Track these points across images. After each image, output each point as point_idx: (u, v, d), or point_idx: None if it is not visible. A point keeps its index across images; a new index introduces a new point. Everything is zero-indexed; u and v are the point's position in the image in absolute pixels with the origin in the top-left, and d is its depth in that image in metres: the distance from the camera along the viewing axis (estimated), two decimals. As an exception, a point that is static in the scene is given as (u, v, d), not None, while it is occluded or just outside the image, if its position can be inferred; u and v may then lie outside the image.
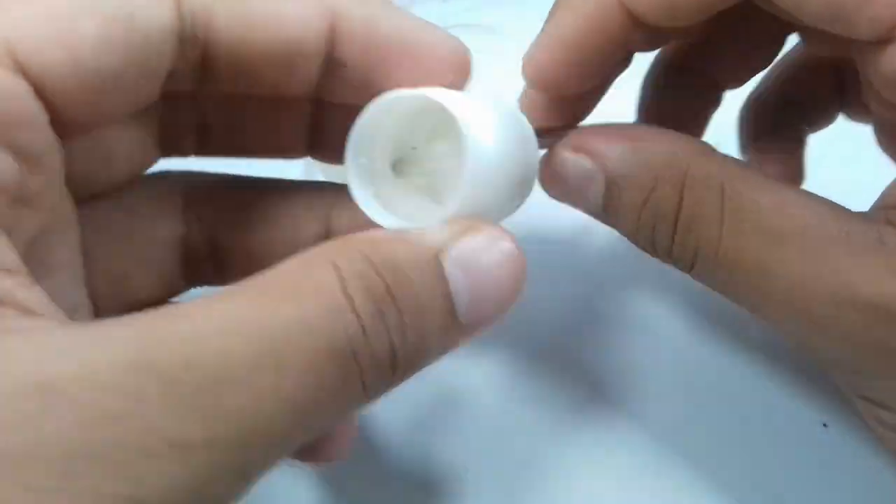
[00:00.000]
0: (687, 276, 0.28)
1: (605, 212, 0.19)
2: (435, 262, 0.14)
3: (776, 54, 0.23)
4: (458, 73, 0.18)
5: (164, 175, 0.20)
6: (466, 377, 0.26)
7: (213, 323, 0.11)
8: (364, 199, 0.17)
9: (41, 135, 0.13)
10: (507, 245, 0.15)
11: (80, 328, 0.11)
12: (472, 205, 0.15)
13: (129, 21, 0.14)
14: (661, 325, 0.27)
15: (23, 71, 0.13)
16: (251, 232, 0.20)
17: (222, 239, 0.20)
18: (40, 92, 0.13)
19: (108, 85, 0.14)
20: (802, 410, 0.25)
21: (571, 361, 0.26)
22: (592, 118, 0.22)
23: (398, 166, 0.18)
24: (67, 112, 0.13)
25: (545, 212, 0.21)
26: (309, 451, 0.21)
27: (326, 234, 0.20)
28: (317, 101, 0.19)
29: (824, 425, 0.24)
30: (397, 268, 0.14)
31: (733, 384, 0.25)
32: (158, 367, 0.10)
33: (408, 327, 0.14)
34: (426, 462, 0.25)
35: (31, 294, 0.12)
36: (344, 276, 0.13)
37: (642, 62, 0.23)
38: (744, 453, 0.24)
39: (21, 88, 0.13)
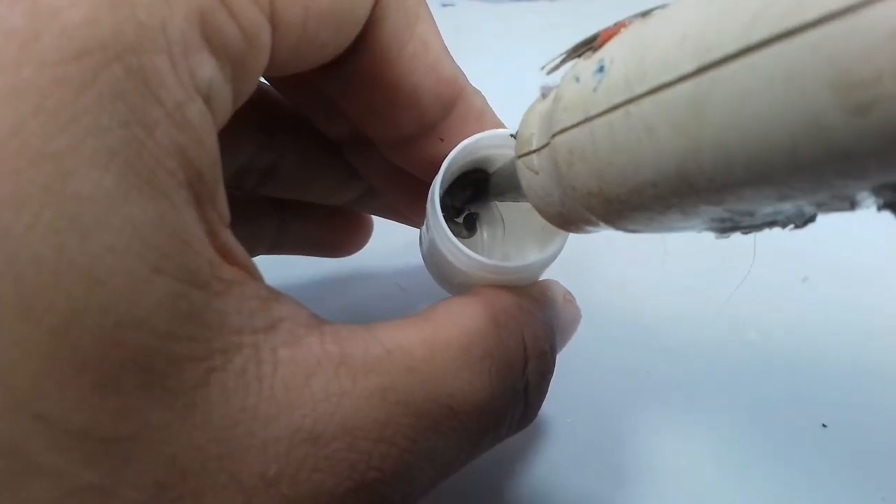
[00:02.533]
0: (683, 278, 0.29)
1: None
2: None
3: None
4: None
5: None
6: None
7: (431, 379, 0.13)
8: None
9: (255, 83, 0.13)
10: (580, 315, 0.20)
11: (333, 369, 0.12)
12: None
13: None
14: (659, 327, 0.27)
15: (271, 18, 0.12)
16: (305, 171, 0.23)
17: (281, 165, 0.22)
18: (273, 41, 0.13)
19: (312, 49, 0.14)
20: (801, 411, 0.25)
21: (568, 361, 0.26)
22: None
23: None
24: (272, 64, 0.13)
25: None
26: (331, 245, 0.27)
27: (357, 202, 0.25)
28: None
29: (823, 425, 0.24)
30: (553, 339, 0.18)
31: (732, 385, 0.26)
32: (396, 437, 0.13)
33: (547, 389, 0.18)
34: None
35: (239, 248, 0.12)
36: (529, 354, 0.16)
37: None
38: (743, 454, 0.24)
39: (268, 41, 0.12)
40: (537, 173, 0.13)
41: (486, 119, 0.18)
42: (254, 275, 0.12)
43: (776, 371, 0.26)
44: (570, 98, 0.11)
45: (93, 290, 0.09)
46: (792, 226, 0.11)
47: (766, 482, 0.23)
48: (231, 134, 0.20)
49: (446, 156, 0.17)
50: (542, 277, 0.20)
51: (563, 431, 0.25)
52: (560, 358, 0.26)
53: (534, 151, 0.13)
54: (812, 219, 0.11)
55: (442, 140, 0.18)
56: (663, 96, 0.09)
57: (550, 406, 0.25)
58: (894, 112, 0.07)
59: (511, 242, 0.22)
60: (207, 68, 0.11)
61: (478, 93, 0.18)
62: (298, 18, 0.13)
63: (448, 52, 0.17)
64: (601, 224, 0.12)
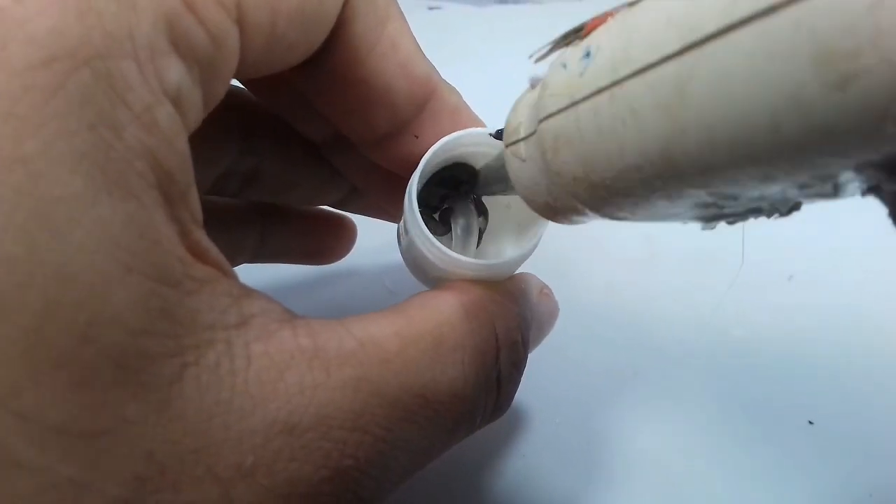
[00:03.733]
0: (670, 278, 0.29)
1: None
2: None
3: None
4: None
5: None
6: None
7: (405, 370, 0.14)
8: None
9: (226, 85, 0.14)
10: (557, 309, 0.21)
11: (306, 362, 0.13)
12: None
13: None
14: (645, 327, 0.28)
15: (239, 21, 0.13)
16: (287, 174, 0.23)
17: (263, 169, 0.23)
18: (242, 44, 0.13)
19: (282, 50, 0.14)
20: (788, 408, 0.25)
21: (555, 362, 0.26)
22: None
23: None
24: (241, 66, 0.14)
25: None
26: (314, 254, 0.27)
27: (342, 202, 0.25)
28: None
29: (810, 423, 0.25)
30: (528, 331, 0.18)
31: (718, 383, 0.26)
32: (370, 425, 0.13)
33: (519, 381, 0.18)
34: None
35: (211, 247, 0.13)
36: (500, 344, 0.16)
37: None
38: (730, 452, 0.24)
39: (236, 43, 0.13)
40: (525, 161, 0.13)
41: (461, 116, 0.19)
42: (227, 272, 0.12)
43: (762, 369, 0.26)
44: (557, 84, 0.11)
45: (65, 289, 0.09)
46: (777, 214, 0.11)
47: (753, 480, 0.23)
48: (211, 139, 0.21)
49: (422, 152, 0.18)
50: (523, 271, 0.20)
51: (550, 432, 0.25)
52: (547, 358, 0.26)
53: (521, 140, 0.13)
54: (797, 206, 0.11)
55: (417, 137, 0.18)
56: (647, 77, 0.09)
57: (537, 406, 0.25)
58: (874, 85, 0.07)
59: (488, 237, 0.22)
60: (175, 72, 0.11)
61: (453, 90, 0.19)
62: (266, 20, 0.13)
63: (420, 50, 0.18)
64: (588, 212, 0.12)
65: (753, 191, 0.10)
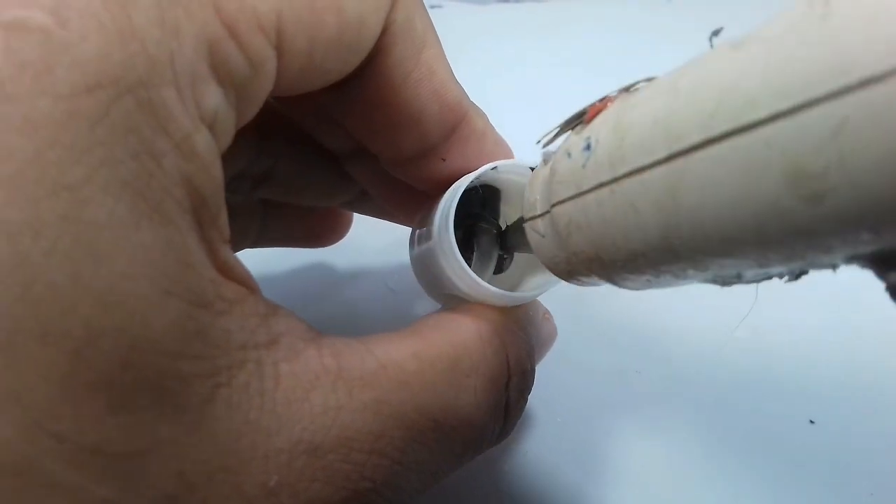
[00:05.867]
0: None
1: None
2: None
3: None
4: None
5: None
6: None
7: (422, 393, 0.14)
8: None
9: (259, 107, 0.14)
10: (556, 332, 0.21)
11: (330, 383, 0.13)
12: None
13: (358, 26, 0.14)
14: (648, 327, 0.27)
15: (277, 47, 0.13)
16: (300, 177, 0.23)
17: (276, 171, 0.23)
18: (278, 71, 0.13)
19: (316, 75, 0.14)
20: (789, 407, 0.24)
21: (558, 362, 0.25)
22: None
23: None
24: (279, 87, 0.14)
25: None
26: (313, 238, 0.27)
27: (349, 203, 0.25)
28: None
29: (811, 422, 0.24)
30: (533, 358, 0.18)
31: (720, 382, 0.25)
32: (388, 448, 0.13)
33: (524, 406, 0.18)
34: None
35: (237, 263, 0.13)
36: (511, 372, 0.17)
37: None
38: (730, 450, 0.24)
39: (273, 69, 0.13)
40: (543, 237, 0.14)
41: (487, 139, 0.19)
42: (253, 289, 0.13)
43: (764, 368, 0.25)
44: (564, 172, 0.12)
45: (107, 314, 0.10)
46: (786, 279, 0.11)
47: (754, 479, 0.23)
48: (233, 142, 0.21)
49: (448, 173, 0.18)
50: None
51: (552, 430, 0.25)
52: (550, 357, 0.25)
53: (538, 216, 0.14)
54: (805, 272, 0.11)
55: (444, 160, 0.18)
56: (642, 178, 0.10)
57: (540, 404, 0.25)
58: (845, 202, 0.07)
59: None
60: (213, 97, 0.12)
61: (481, 114, 0.19)
62: (304, 47, 0.13)
63: (453, 76, 0.18)
64: (604, 282, 0.13)
65: (753, 272, 0.10)
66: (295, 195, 0.24)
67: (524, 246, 0.17)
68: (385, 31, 0.15)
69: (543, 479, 0.24)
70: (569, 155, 0.12)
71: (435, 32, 0.17)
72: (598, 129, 0.11)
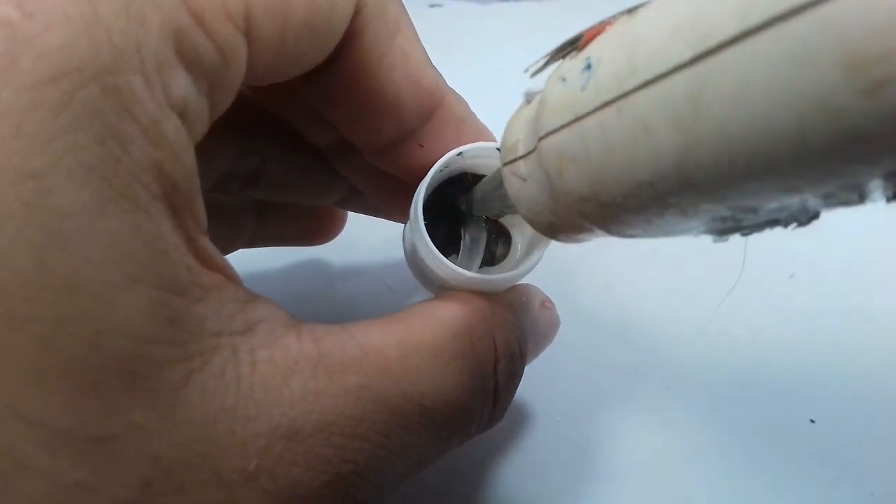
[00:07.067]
0: (670, 276, 0.29)
1: None
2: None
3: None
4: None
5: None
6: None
7: (405, 378, 0.14)
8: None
9: (232, 95, 0.14)
10: (558, 321, 0.21)
11: (310, 368, 0.13)
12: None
13: (329, 10, 0.14)
14: (646, 325, 0.27)
15: (247, 34, 0.13)
16: (289, 175, 0.23)
17: (265, 170, 0.23)
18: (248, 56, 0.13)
19: (290, 61, 0.14)
20: (789, 406, 0.25)
21: (556, 360, 0.26)
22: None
23: None
24: (252, 75, 0.14)
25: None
26: (308, 236, 0.27)
27: (342, 202, 0.25)
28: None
29: (811, 421, 0.24)
30: (526, 343, 0.18)
31: (720, 381, 0.25)
32: (370, 432, 0.13)
33: (515, 391, 0.18)
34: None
35: (216, 253, 0.13)
36: (498, 355, 0.16)
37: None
38: (731, 449, 0.24)
39: (244, 56, 0.13)
40: (525, 180, 0.13)
41: (467, 126, 0.19)
42: (231, 278, 0.13)
43: (764, 367, 0.26)
44: (557, 99, 0.11)
45: (73, 300, 0.10)
46: (795, 224, 0.11)
47: (754, 478, 0.23)
48: (213, 140, 0.21)
49: (427, 161, 0.18)
50: (527, 281, 0.20)
51: (551, 429, 0.25)
52: (549, 356, 0.26)
53: (520, 158, 0.13)
54: (816, 216, 0.10)
55: (422, 146, 0.18)
56: (657, 89, 0.08)
57: (539, 403, 0.25)
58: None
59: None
60: (182, 85, 0.12)
61: (460, 100, 0.19)
62: (275, 33, 0.13)
63: (429, 60, 0.18)
64: (595, 230, 0.12)
65: (774, 203, 0.09)
66: (286, 194, 0.24)
67: (498, 203, 0.16)
68: (356, 14, 0.15)
69: (543, 479, 0.23)
70: (563, 80, 0.11)
71: (408, 18, 0.17)
72: (599, 48, 0.10)
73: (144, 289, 0.11)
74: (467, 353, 0.15)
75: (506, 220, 0.21)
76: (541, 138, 0.11)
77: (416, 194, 0.18)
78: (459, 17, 0.42)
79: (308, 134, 0.22)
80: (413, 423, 0.14)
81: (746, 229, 0.11)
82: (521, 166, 0.13)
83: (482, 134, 0.19)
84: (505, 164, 0.13)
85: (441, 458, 0.16)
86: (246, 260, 0.26)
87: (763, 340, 0.26)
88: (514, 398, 0.25)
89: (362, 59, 0.16)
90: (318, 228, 0.27)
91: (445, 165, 0.18)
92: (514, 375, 0.18)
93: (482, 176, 0.20)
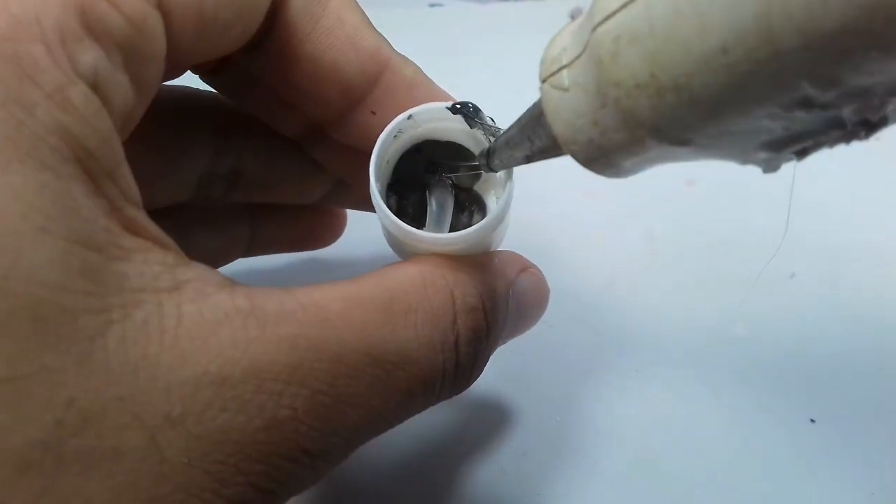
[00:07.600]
0: (670, 278, 0.28)
1: None
2: (509, 294, 0.18)
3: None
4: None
5: (196, 98, 0.22)
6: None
7: (348, 329, 0.14)
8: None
9: (159, 69, 0.14)
10: (546, 288, 0.20)
11: (241, 319, 0.13)
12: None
13: None
14: (647, 325, 0.27)
15: (161, 5, 0.13)
16: (269, 172, 0.24)
17: (243, 169, 0.23)
18: (167, 28, 0.14)
19: (217, 33, 0.15)
20: (790, 406, 0.25)
21: (556, 360, 0.26)
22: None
23: None
24: (177, 50, 0.14)
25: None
26: (306, 241, 0.27)
27: (329, 197, 0.25)
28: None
29: (812, 420, 0.24)
30: (495, 302, 0.18)
31: (720, 381, 0.25)
32: (309, 379, 0.13)
33: (487, 352, 0.18)
34: (420, 455, 0.24)
35: (150, 224, 0.13)
36: (457, 309, 0.16)
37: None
38: (731, 449, 0.24)
39: (159, 27, 0.13)
40: (567, 90, 0.12)
41: (419, 89, 0.19)
42: (164, 245, 0.13)
43: (764, 367, 0.26)
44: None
45: None
46: (861, 133, 0.10)
47: (755, 478, 0.23)
48: (184, 139, 0.22)
49: (382, 128, 0.17)
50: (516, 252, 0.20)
51: (551, 429, 0.24)
52: (548, 356, 0.26)
53: (564, 67, 0.12)
54: (884, 121, 0.10)
55: (374, 113, 0.18)
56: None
57: (538, 404, 0.25)
58: None
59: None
60: (90, 55, 0.12)
61: (408, 62, 0.19)
62: (191, 2, 0.14)
63: (369, 23, 0.18)
64: (641, 137, 0.11)
65: (860, 76, 0.08)
66: (271, 193, 0.25)
67: (522, 148, 0.15)
68: None
69: (542, 478, 0.23)
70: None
71: None
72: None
73: (53, 240, 0.11)
74: (421, 306, 0.16)
75: (479, 188, 0.21)
76: (594, 28, 0.11)
77: (370, 162, 0.17)
78: (459, 17, 0.42)
79: (277, 125, 0.22)
80: (362, 373, 0.14)
81: (803, 142, 0.11)
82: (565, 75, 0.12)
83: (437, 96, 0.19)
84: (544, 80, 0.13)
85: (407, 415, 0.16)
86: (246, 261, 0.26)
87: (763, 340, 0.26)
88: (514, 398, 0.25)
89: (294, 25, 0.16)
90: (317, 231, 0.27)
91: (399, 130, 0.18)
92: (477, 330, 0.17)
93: (446, 142, 0.19)
